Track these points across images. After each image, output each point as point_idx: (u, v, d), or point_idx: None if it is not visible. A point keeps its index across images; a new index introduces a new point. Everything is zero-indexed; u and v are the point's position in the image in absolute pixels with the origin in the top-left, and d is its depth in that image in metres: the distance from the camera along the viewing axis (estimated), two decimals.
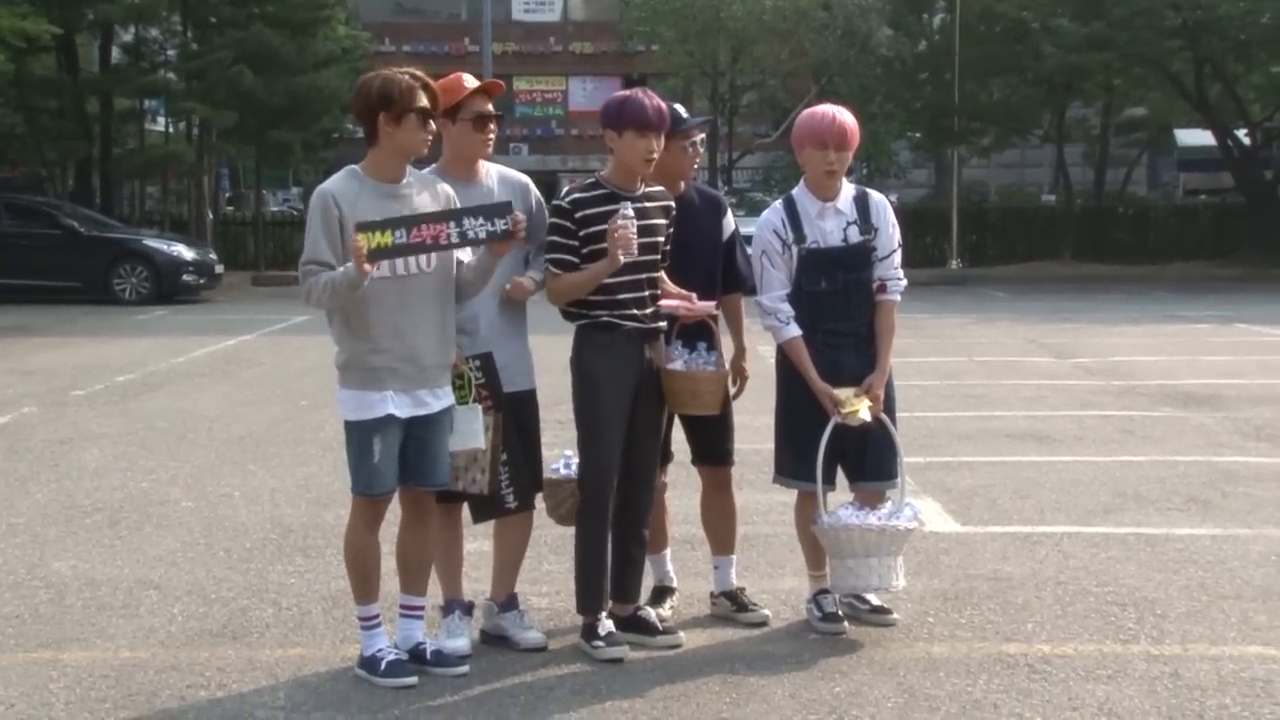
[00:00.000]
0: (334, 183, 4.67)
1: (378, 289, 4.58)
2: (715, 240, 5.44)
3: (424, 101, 4.64)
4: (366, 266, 4.39)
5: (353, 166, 4.75)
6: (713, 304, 5.05)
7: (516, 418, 5.10)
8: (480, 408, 4.87)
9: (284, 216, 37.82)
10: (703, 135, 5.46)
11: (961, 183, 37.85)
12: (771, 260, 5.21)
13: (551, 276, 4.95)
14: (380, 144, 4.67)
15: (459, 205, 4.81)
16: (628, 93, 5.07)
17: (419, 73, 4.75)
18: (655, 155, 4.94)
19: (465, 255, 4.81)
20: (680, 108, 5.40)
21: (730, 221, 5.52)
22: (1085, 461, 9.20)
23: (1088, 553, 6.72)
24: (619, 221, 4.77)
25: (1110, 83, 35.08)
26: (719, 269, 5.45)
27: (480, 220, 4.63)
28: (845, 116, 5.26)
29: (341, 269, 4.51)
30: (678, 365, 5.08)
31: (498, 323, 5.10)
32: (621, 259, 4.78)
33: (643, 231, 4.99)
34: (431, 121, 4.65)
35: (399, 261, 4.62)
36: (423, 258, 4.66)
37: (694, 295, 5.03)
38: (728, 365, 5.46)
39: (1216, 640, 5.35)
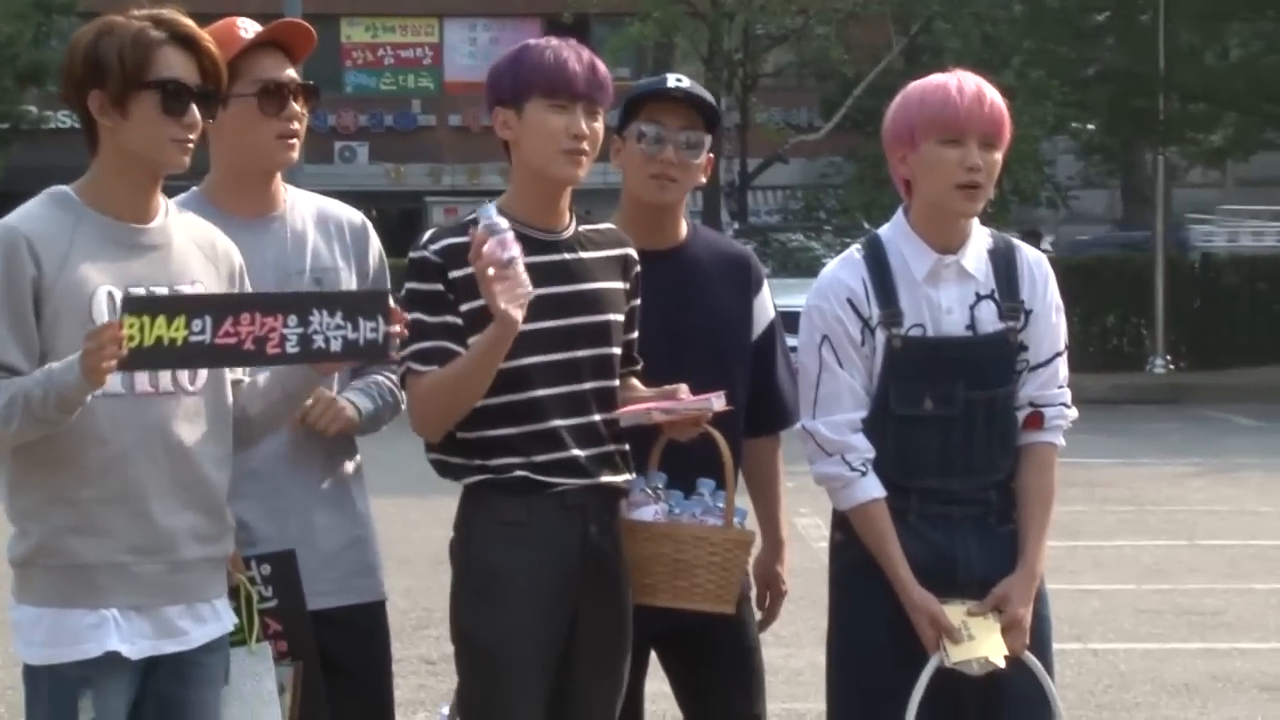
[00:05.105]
0: (28, 217, 3.48)
1: (100, 415, 3.40)
2: (735, 332, 4.14)
3: (175, 67, 3.45)
4: (108, 368, 3.24)
5: (63, 189, 3.56)
6: (714, 397, 3.78)
7: (348, 658, 3.84)
8: (270, 650, 3.69)
9: None
10: (704, 138, 3.98)
11: (1173, 216, 25.33)
12: (839, 354, 3.90)
13: (413, 378, 3.70)
14: (101, 149, 3.50)
15: (241, 268, 3.63)
16: (530, 42, 3.85)
17: (174, 14, 3.52)
18: (585, 145, 3.71)
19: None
20: (683, 78, 4.03)
21: (765, 304, 4.21)
22: None
23: None
24: (479, 237, 3.54)
25: None
26: (741, 383, 4.11)
27: (338, 319, 3.46)
28: (990, 90, 4.01)
29: (45, 371, 3.34)
30: (647, 513, 3.79)
31: (311, 476, 3.77)
32: (515, 312, 3.52)
33: (579, 305, 3.73)
34: (197, 104, 3.45)
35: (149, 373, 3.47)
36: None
37: (682, 388, 3.80)
38: (751, 563, 4.12)
39: None
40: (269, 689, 3.60)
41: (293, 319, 3.39)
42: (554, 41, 3.72)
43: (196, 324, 3.27)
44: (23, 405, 3.26)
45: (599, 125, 3.63)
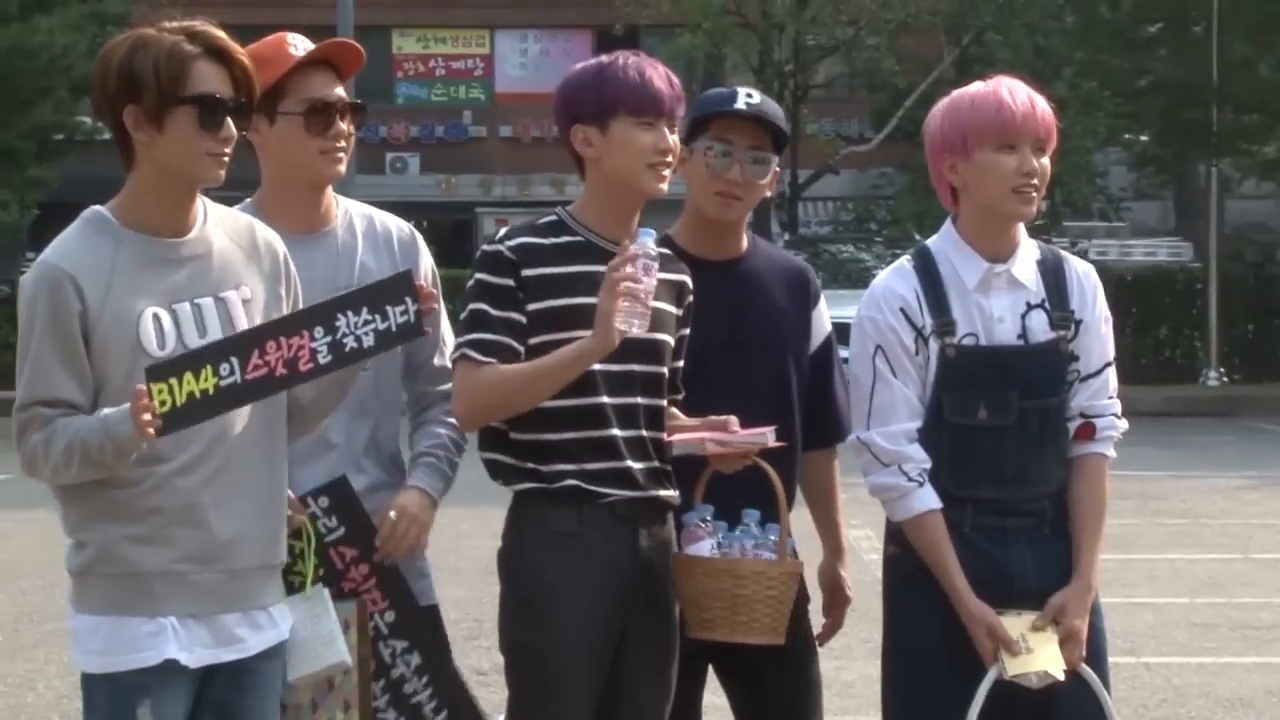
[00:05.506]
0: (67, 251, 3.41)
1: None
2: (795, 344, 4.09)
3: (210, 81, 3.34)
4: (150, 431, 3.27)
5: (100, 211, 3.45)
6: (768, 432, 3.73)
7: None
8: (326, 593, 3.62)
9: None
10: (770, 157, 3.92)
11: (1225, 227, 25.83)
12: (893, 364, 3.82)
13: (469, 365, 3.63)
14: (137, 164, 3.40)
15: (285, 255, 3.54)
16: (605, 58, 3.77)
17: (206, 26, 3.41)
18: (671, 159, 3.69)
19: None
20: (753, 93, 4.03)
21: (823, 317, 4.16)
22: None
23: None
24: (631, 253, 3.54)
25: None
26: (797, 399, 4.05)
27: (365, 315, 3.41)
28: (1036, 94, 3.92)
29: (100, 419, 3.33)
30: (704, 548, 3.73)
31: (361, 483, 3.72)
32: (616, 336, 3.51)
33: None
34: (231, 117, 3.36)
35: None
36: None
37: (732, 420, 3.73)
38: (815, 571, 4.14)
39: None
40: (329, 629, 3.54)
41: (319, 330, 3.33)
42: (631, 58, 3.68)
43: (224, 368, 3.24)
44: (80, 450, 3.24)
45: (676, 138, 3.61)
